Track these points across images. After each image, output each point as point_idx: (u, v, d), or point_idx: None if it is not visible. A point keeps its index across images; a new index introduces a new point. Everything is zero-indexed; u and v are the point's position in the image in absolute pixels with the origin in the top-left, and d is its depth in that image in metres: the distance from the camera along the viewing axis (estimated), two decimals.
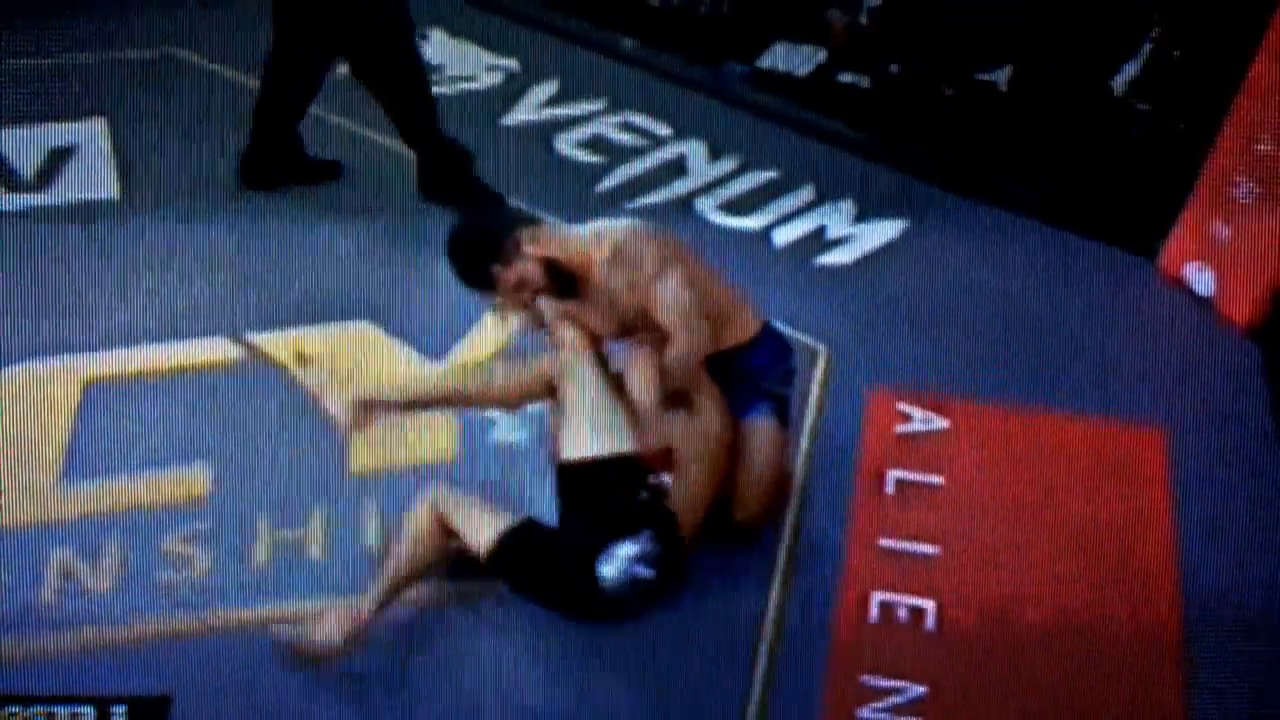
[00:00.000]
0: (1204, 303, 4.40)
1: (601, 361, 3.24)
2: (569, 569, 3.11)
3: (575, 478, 3.18)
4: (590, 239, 3.23)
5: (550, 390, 3.23)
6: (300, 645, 3.01)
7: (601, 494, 3.16)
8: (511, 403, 3.39)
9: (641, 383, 3.27)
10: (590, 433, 3.18)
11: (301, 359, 3.77)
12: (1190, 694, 3.02)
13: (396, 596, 3.11)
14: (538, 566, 3.15)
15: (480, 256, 3.13)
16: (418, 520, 3.12)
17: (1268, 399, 4.01)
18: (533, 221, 3.37)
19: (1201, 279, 4.49)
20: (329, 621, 3.02)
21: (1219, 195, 4.43)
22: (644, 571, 3.09)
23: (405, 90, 4.45)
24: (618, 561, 3.07)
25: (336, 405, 3.29)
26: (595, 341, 3.25)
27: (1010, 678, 2.99)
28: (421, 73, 4.54)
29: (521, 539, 3.10)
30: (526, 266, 3.12)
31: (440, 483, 3.22)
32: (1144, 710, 3.00)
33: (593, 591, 3.10)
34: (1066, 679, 3.01)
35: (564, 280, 3.17)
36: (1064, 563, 3.32)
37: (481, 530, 3.13)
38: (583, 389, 3.17)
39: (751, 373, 3.43)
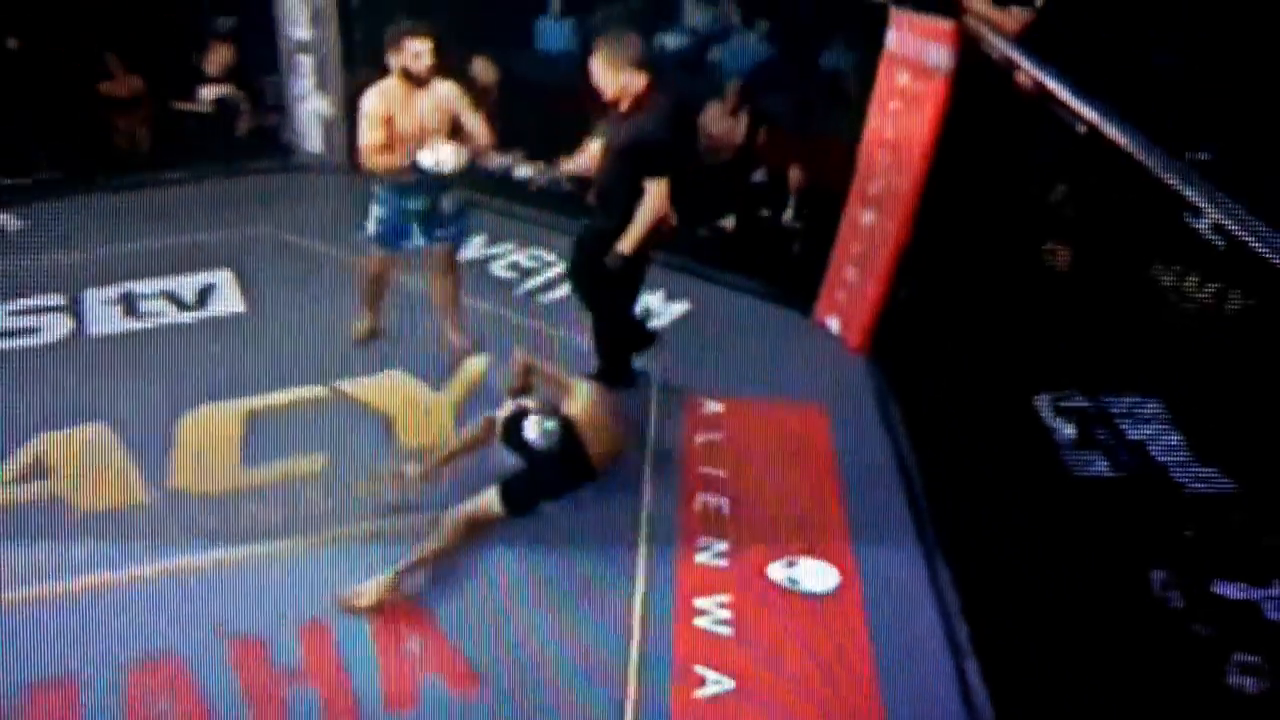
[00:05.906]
0: (836, 339, 5.95)
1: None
2: (525, 455, 3.97)
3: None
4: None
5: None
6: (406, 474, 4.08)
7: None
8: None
9: None
10: None
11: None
12: (849, 514, 4.55)
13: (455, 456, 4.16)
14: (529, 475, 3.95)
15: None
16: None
17: (871, 390, 5.57)
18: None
19: (833, 324, 5.98)
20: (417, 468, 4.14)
21: (839, 273, 5.87)
22: (550, 423, 3.98)
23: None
24: (529, 426, 3.99)
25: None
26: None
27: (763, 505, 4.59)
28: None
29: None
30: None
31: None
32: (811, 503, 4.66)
33: (534, 452, 3.93)
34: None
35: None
36: (787, 469, 4.87)
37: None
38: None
39: None
